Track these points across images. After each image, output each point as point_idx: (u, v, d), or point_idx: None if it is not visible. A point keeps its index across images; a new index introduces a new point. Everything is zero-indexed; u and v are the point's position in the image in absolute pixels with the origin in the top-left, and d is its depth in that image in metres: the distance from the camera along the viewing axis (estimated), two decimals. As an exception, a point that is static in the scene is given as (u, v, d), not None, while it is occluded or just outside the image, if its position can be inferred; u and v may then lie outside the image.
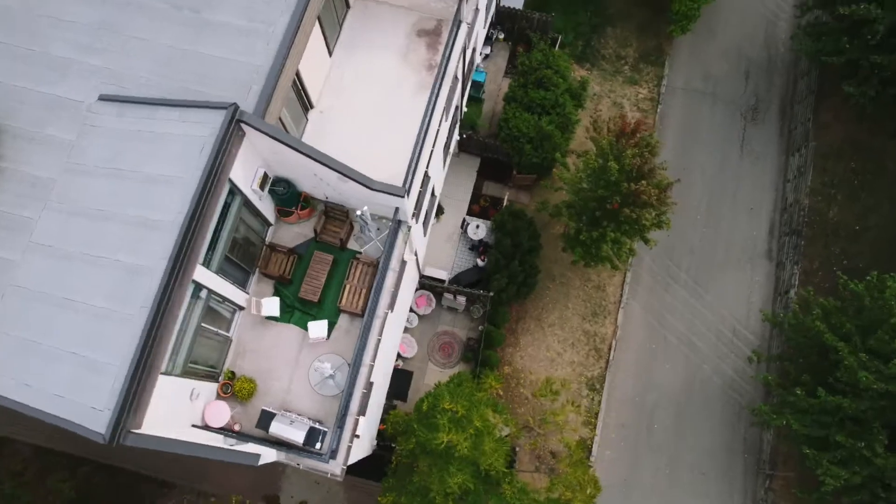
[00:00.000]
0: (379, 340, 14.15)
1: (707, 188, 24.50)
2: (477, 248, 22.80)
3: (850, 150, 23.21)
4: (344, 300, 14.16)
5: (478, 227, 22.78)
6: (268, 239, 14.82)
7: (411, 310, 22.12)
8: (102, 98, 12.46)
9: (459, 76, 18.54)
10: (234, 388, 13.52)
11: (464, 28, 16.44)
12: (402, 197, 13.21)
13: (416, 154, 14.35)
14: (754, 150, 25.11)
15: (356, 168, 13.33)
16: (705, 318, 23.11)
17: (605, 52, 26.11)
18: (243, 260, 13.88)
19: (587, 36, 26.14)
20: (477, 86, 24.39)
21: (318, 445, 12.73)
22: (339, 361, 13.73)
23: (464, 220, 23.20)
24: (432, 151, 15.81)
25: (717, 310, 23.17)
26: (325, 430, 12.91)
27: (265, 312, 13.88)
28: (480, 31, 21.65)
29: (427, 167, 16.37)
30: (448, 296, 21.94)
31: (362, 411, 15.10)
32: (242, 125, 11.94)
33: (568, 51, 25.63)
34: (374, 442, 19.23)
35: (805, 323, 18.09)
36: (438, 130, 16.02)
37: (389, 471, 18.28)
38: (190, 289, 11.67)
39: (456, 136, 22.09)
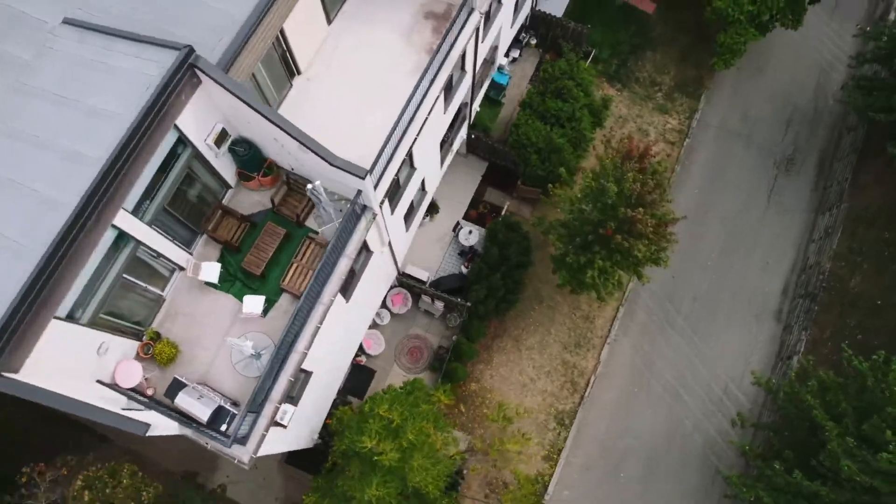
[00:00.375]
0: (318, 329, 13.13)
1: (723, 233, 22.84)
2: (466, 254, 21.66)
3: (885, 217, 21.27)
4: (288, 279, 13.19)
5: (470, 232, 21.63)
6: (224, 201, 13.97)
7: (385, 307, 21.08)
8: (66, 21, 11.79)
9: (469, 69, 17.48)
10: (155, 351, 12.65)
11: (475, 16, 15.38)
12: (362, 178, 12.18)
13: (393, 138, 13.33)
14: (782, 202, 23.35)
15: (332, 143, 12.40)
16: (697, 371, 21.43)
17: (639, 75, 24.71)
18: (189, 218, 13.04)
19: (624, 56, 24.78)
20: (498, 88, 23.31)
21: (223, 427, 11.74)
22: (268, 343, 12.74)
23: (458, 224, 22.08)
24: (417, 139, 14.77)
25: (712, 364, 21.47)
26: (236, 412, 11.91)
27: (203, 277, 13.01)
28: (506, 30, 20.58)
29: (410, 155, 15.34)
30: (426, 299, 20.83)
31: (291, 400, 14.10)
32: (198, 72, 11.10)
33: (601, 67, 24.34)
34: (316, 436, 18.21)
35: (799, 394, 16.38)
36: (429, 118, 14.96)
37: (324, 469, 17.25)
38: (109, 234, 10.86)
39: (463, 135, 21.03)
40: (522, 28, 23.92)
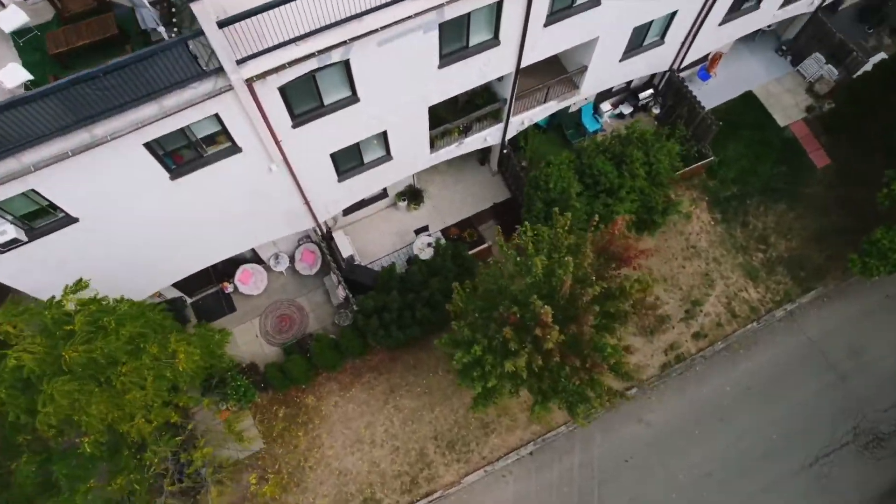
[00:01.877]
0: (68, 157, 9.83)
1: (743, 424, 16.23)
2: (411, 262, 17.33)
3: None
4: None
5: (429, 245, 17.27)
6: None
7: (290, 258, 17.45)
8: None
9: (510, 46, 13.36)
10: None
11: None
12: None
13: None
14: (830, 476, 16.18)
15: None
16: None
17: (752, 221, 18.73)
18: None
19: (749, 190, 18.97)
20: (578, 128, 18.83)
21: None
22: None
23: (426, 228, 17.84)
24: (356, 43, 10.99)
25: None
26: None
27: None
28: (610, 60, 16.09)
29: (349, 70, 11.57)
30: (334, 277, 16.86)
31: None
32: None
33: (711, 183, 18.82)
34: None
35: None
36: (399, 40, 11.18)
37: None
38: None
39: (491, 140, 16.80)
40: (653, 89, 19.16)
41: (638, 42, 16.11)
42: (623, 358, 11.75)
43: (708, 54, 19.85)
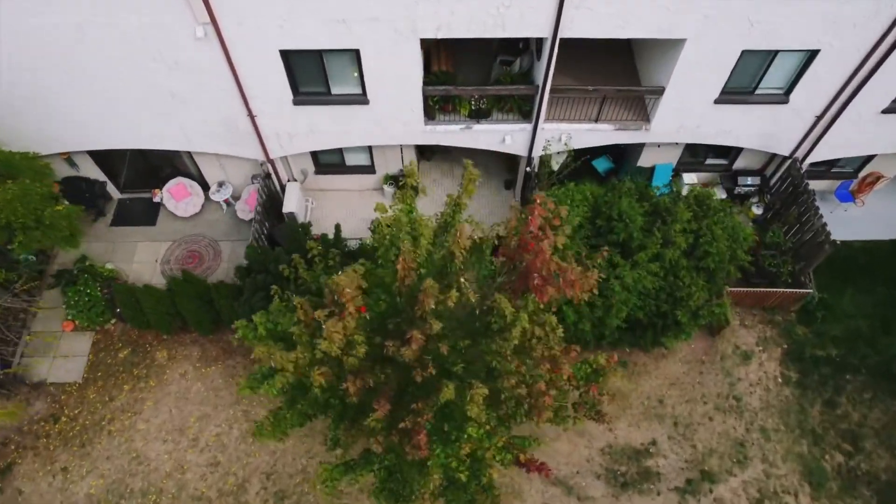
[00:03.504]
0: None
1: None
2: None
3: None
4: None
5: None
6: None
7: (237, 198, 14.47)
8: None
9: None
10: None
11: None
12: None
13: None
14: None
15: None
16: None
17: (838, 401, 12.54)
18: None
19: (854, 361, 12.86)
20: (638, 172, 14.21)
21: None
22: None
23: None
24: None
25: None
26: None
27: None
28: (702, 99, 11.63)
29: None
30: (254, 227, 13.46)
31: None
32: None
33: (800, 332, 13.07)
34: None
35: None
36: None
37: None
38: None
39: (520, 147, 12.83)
40: (761, 178, 14.08)
41: (747, 81, 11.49)
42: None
43: (859, 169, 14.42)
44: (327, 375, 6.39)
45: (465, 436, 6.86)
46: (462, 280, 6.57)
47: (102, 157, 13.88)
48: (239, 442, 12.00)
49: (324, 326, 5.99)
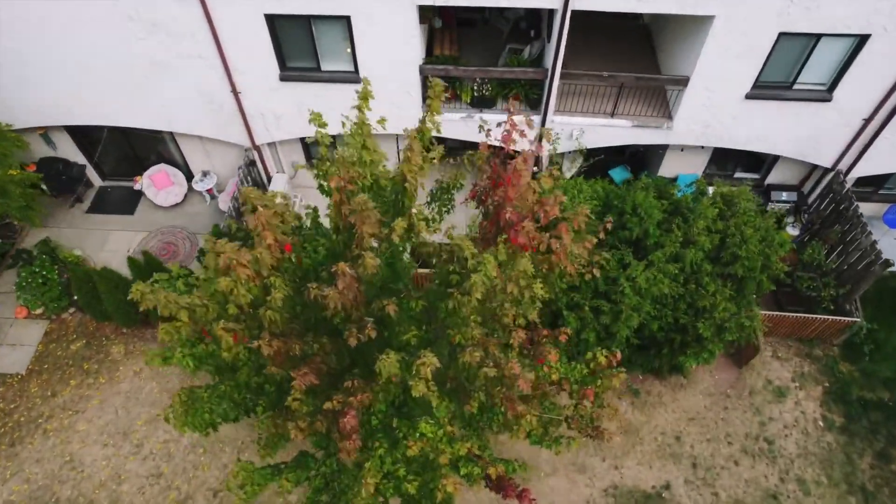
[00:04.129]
0: None
1: None
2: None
3: None
4: None
5: (376, 240, 12.04)
6: None
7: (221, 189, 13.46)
8: None
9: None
10: None
11: None
12: None
13: None
14: None
15: None
16: None
17: (893, 454, 10.52)
18: None
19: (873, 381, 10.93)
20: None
21: None
22: None
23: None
24: None
25: None
26: None
27: None
28: (736, 112, 10.35)
29: None
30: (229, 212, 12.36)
31: None
32: None
33: (845, 370, 11.24)
34: None
35: None
36: None
37: None
38: None
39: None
40: (798, 193, 12.56)
41: (784, 74, 10.17)
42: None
43: (913, 190, 12.82)
44: (240, 335, 5.03)
45: (417, 433, 5.37)
46: (414, 212, 5.25)
47: (81, 137, 13.06)
48: (188, 452, 10.50)
49: (228, 258, 4.68)
